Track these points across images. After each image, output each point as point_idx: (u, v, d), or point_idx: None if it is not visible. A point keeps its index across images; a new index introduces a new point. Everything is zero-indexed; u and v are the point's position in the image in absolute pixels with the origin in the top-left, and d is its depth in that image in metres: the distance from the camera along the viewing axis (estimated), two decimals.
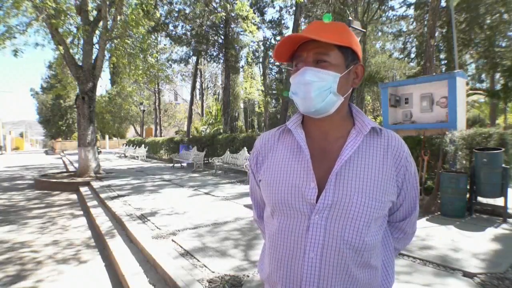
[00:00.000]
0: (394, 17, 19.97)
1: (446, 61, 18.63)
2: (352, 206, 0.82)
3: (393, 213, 0.97)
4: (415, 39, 19.38)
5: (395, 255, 1.01)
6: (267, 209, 0.98)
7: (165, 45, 21.61)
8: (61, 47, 9.44)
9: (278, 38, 18.08)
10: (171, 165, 14.67)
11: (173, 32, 17.00)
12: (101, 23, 10.04)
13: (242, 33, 16.81)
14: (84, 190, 8.26)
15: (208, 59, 21.27)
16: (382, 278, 0.93)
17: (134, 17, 10.07)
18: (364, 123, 0.89)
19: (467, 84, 10.28)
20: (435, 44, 12.87)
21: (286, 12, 18.58)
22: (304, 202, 0.84)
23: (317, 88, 0.83)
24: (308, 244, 0.83)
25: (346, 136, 0.89)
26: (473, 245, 3.39)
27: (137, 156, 19.33)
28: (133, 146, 23.20)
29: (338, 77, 0.85)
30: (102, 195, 7.04)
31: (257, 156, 1.00)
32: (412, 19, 19.89)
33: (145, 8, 10.54)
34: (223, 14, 13.44)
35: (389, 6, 19.17)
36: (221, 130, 19.75)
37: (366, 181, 0.83)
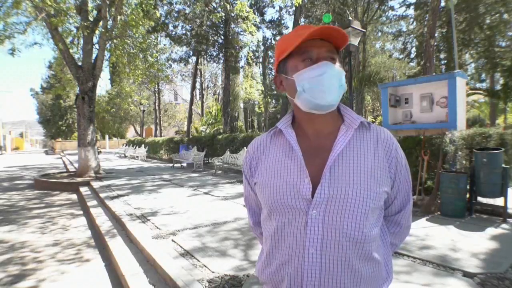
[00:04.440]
0: (394, 17, 19.96)
1: (446, 61, 18.64)
2: (349, 198, 0.83)
3: (388, 207, 0.99)
4: (415, 39, 19.37)
5: (392, 251, 1.02)
6: (263, 211, 0.98)
7: (165, 45, 21.60)
8: (61, 46, 9.44)
9: (278, 38, 18.07)
10: (171, 165, 14.67)
11: (173, 32, 16.99)
12: (101, 23, 10.05)
13: (242, 33, 16.80)
14: (84, 190, 8.26)
15: (208, 59, 21.27)
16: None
17: (134, 17, 10.07)
18: (353, 118, 0.92)
19: (467, 84, 10.28)
20: (435, 44, 12.87)
21: (286, 12, 18.60)
22: (300, 199, 0.85)
23: (339, 82, 0.87)
24: (307, 240, 0.83)
25: (336, 131, 0.91)
26: (473, 245, 3.39)
27: (137, 156, 19.33)
28: (133, 146, 23.20)
29: (344, 74, 0.90)
30: (102, 195, 7.04)
31: (250, 161, 1.02)
32: (412, 19, 19.88)
33: (145, 8, 10.53)
34: (223, 14, 13.43)
35: (389, 6, 19.17)
36: (221, 130, 19.74)
37: (360, 173, 0.85)
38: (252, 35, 13.57)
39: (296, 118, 0.98)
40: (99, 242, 4.44)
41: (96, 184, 8.66)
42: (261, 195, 0.95)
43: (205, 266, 3.03)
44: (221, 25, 16.83)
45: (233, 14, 13.67)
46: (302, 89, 0.87)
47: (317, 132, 0.93)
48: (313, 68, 0.86)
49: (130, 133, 41.62)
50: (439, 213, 4.75)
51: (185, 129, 26.38)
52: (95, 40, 10.32)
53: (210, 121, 27.42)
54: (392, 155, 0.91)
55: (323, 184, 0.84)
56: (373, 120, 22.93)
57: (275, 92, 26.81)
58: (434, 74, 9.97)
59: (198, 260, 3.18)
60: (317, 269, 0.82)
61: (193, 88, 21.93)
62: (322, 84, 0.85)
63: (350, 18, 8.94)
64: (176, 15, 16.12)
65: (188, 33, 16.93)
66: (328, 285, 0.82)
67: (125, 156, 21.56)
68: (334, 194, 0.83)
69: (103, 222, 5.11)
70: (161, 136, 26.90)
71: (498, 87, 18.21)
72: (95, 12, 10.44)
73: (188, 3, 15.56)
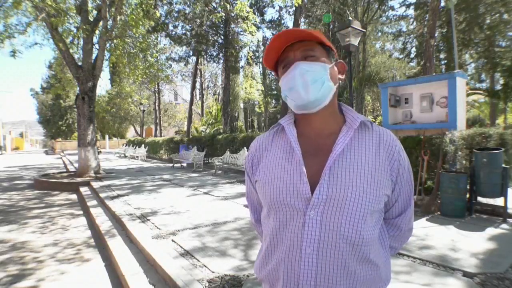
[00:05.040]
0: (394, 17, 19.96)
1: (446, 61, 18.64)
2: (347, 200, 0.82)
3: (389, 209, 0.98)
4: (415, 39, 19.38)
5: (392, 254, 1.01)
6: (264, 210, 0.99)
7: (165, 45, 21.60)
8: (61, 46, 9.44)
9: None
10: (171, 165, 14.67)
11: (173, 32, 16.99)
12: (101, 23, 10.04)
13: (242, 33, 16.80)
14: (84, 190, 8.26)
15: (208, 59, 21.25)
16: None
17: (134, 17, 10.07)
18: (353, 118, 0.92)
19: (467, 84, 10.28)
20: (435, 44, 12.87)
21: (286, 12, 18.59)
22: (299, 198, 0.85)
23: (313, 77, 0.87)
24: (304, 240, 0.83)
25: (337, 132, 0.91)
26: (473, 245, 3.40)
27: (137, 156, 19.33)
28: (133, 146, 23.20)
29: (328, 68, 0.89)
30: (102, 195, 7.04)
31: (252, 159, 1.03)
32: (412, 19, 19.89)
33: (145, 8, 10.53)
34: (223, 14, 13.42)
35: (389, 6, 19.17)
36: (221, 130, 19.74)
37: (360, 175, 0.84)
38: (252, 35, 13.57)
39: (296, 119, 0.99)
40: (99, 242, 4.44)
41: (96, 184, 8.66)
42: (261, 193, 0.95)
43: (205, 266, 3.03)
44: (221, 25, 16.83)
45: (233, 14, 13.67)
46: (285, 95, 0.91)
47: (317, 131, 0.93)
48: (286, 73, 0.89)
49: (130, 133, 41.60)
50: (439, 213, 4.75)
51: (185, 129, 26.36)
52: (95, 40, 10.32)
53: (210, 121, 27.39)
54: (395, 158, 0.90)
55: (322, 184, 0.83)
56: (373, 120, 22.92)
57: (275, 92, 26.83)
58: (434, 74, 9.97)
59: (198, 260, 3.18)
60: (313, 269, 0.82)
61: (193, 88, 21.92)
62: (295, 84, 0.87)
63: (350, 18, 8.94)
64: (176, 15, 16.12)
65: (188, 33, 16.93)
66: (324, 286, 0.82)
67: (125, 156, 21.55)
68: (333, 196, 0.83)
69: (103, 222, 5.11)
70: (161, 136, 26.89)
71: (498, 87, 18.20)
72: (95, 12, 10.44)
73: (188, 3, 15.56)
